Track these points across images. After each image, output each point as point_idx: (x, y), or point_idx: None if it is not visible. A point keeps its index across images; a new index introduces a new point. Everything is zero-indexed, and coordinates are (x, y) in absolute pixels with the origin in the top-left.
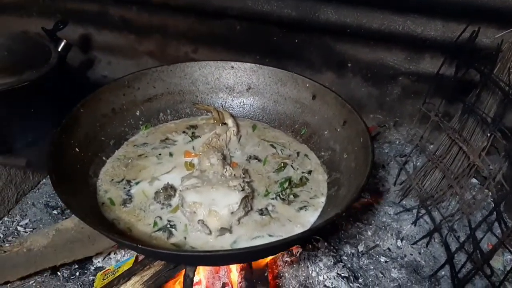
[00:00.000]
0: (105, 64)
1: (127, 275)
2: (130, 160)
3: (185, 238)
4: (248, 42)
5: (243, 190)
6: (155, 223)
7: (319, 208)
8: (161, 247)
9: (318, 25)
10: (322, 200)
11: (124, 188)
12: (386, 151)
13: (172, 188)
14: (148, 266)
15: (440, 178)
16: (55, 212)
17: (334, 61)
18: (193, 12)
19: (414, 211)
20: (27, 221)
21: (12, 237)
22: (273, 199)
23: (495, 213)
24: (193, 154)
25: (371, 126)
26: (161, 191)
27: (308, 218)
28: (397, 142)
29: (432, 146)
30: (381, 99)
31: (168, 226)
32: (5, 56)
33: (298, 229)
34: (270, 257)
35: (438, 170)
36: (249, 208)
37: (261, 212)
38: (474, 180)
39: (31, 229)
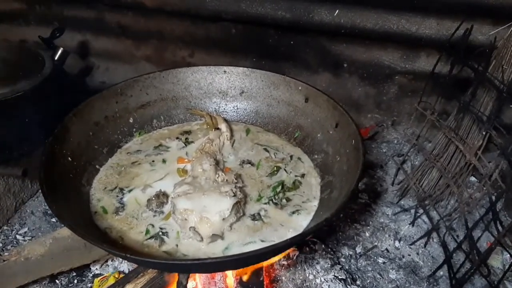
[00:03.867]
0: (104, 70)
1: (121, 283)
2: (123, 168)
3: (176, 245)
4: (244, 45)
5: (234, 195)
6: (147, 231)
7: (312, 212)
8: (151, 256)
9: (312, 26)
10: (315, 203)
11: (117, 196)
12: (384, 150)
13: (165, 195)
14: (142, 274)
15: (438, 177)
16: (53, 220)
17: (330, 62)
18: (188, 17)
19: (412, 211)
20: (26, 229)
21: (11, 246)
22: (265, 203)
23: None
24: (186, 160)
25: (369, 126)
26: (153, 198)
27: (301, 222)
28: (395, 142)
29: (430, 145)
30: (378, 99)
31: (160, 233)
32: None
33: (291, 234)
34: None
35: (435, 169)
36: (241, 214)
37: (254, 217)
38: (473, 179)
39: (30, 238)
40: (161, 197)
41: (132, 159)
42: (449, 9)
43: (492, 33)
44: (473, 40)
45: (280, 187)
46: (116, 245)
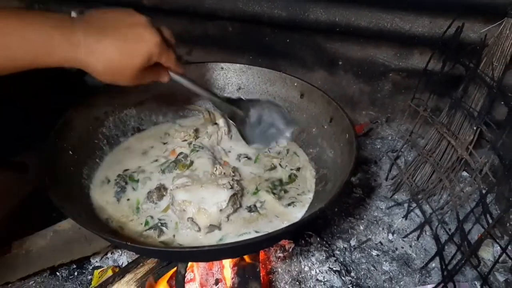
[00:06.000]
0: None
1: (121, 273)
2: (123, 161)
3: (173, 236)
4: (241, 43)
5: (231, 188)
6: (147, 222)
7: (307, 204)
8: (150, 244)
9: (308, 24)
10: (310, 196)
11: (118, 188)
12: (378, 146)
13: (164, 188)
14: (141, 264)
15: (430, 172)
16: (54, 214)
17: (325, 60)
18: (186, 15)
19: (405, 205)
20: (28, 223)
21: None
22: (262, 196)
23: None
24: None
25: (364, 123)
26: (154, 190)
27: (296, 214)
28: (389, 138)
29: (423, 140)
30: (372, 96)
31: (159, 224)
32: None
33: (285, 225)
34: (262, 253)
35: (428, 164)
36: (238, 206)
37: (250, 209)
38: (465, 173)
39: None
40: (162, 190)
41: (132, 152)
42: (442, 8)
43: (483, 31)
44: (465, 38)
45: (276, 180)
46: (116, 235)
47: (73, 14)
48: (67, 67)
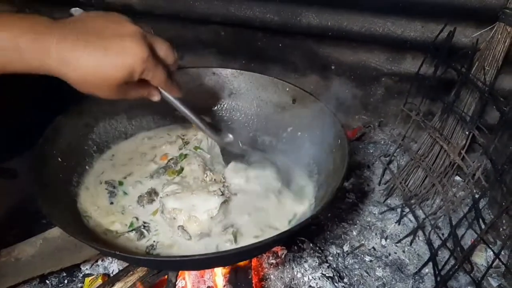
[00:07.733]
0: None
1: (111, 281)
2: (113, 167)
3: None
4: (233, 48)
5: (222, 194)
6: (131, 224)
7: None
8: (140, 254)
9: (300, 29)
10: None
11: (107, 194)
12: (371, 151)
13: (155, 192)
14: (131, 272)
15: (423, 176)
16: (44, 221)
17: (318, 64)
18: (178, 19)
19: (398, 210)
20: (16, 230)
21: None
22: None
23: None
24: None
25: (357, 127)
26: (145, 195)
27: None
28: (382, 142)
29: (415, 145)
30: (365, 100)
31: (142, 227)
32: None
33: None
34: (254, 259)
35: (421, 169)
36: (230, 213)
37: None
38: (458, 178)
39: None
40: (152, 195)
41: (122, 158)
42: (434, 12)
43: (475, 35)
44: (457, 42)
45: None
46: (105, 243)
47: (73, 11)
48: (43, 74)
